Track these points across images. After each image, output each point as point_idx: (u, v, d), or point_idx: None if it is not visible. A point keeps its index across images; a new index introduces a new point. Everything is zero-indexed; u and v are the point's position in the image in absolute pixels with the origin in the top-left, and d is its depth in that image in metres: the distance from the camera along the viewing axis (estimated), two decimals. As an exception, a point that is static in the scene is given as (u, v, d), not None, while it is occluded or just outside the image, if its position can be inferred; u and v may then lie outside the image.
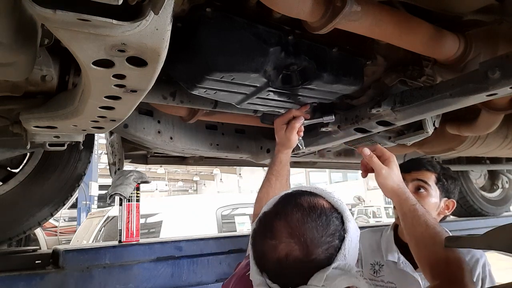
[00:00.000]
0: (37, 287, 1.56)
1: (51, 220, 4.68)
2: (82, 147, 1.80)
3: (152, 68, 0.78)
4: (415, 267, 1.50)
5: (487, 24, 1.28)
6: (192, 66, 1.18)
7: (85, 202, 7.85)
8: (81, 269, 1.66)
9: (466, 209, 3.41)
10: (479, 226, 3.15)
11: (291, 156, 1.58)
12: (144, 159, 2.49)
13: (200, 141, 1.95)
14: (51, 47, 1.11)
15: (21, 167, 1.86)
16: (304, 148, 1.58)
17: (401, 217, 1.15)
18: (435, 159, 2.79)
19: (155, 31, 0.65)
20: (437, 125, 1.79)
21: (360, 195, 19.88)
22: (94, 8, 0.57)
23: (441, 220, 1.60)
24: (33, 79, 1.20)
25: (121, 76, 0.81)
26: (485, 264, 1.44)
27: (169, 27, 0.66)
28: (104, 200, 8.02)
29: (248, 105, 1.43)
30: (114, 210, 4.78)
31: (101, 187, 8.84)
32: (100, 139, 6.22)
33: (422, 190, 1.53)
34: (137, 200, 1.95)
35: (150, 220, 4.49)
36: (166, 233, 4.03)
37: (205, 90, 1.25)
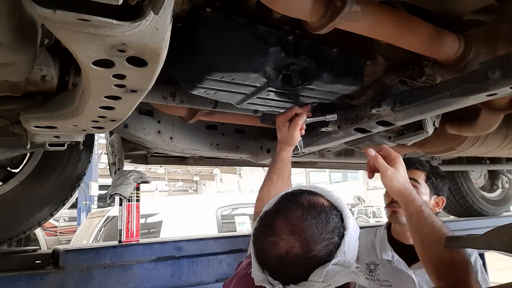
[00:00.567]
0: (37, 287, 1.56)
1: (51, 220, 4.69)
2: (82, 147, 1.80)
3: (152, 68, 0.78)
4: (409, 264, 1.53)
5: (487, 24, 1.28)
6: (192, 66, 1.18)
7: (85, 202, 7.85)
8: (81, 269, 1.66)
9: (466, 209, 3.41)
10: (479, 226, 3.15)
11: (292, 156, 1.58)
12: (144, 159, 2.49)
13: (200, 141, 1.95)
14: (51, 47, 1.11)
15: (21, 167, 1.86)
16: (303, 149, 1.58)
17: (407, 218, 1.15)
18: (434, 159, 2.79)
19: (155, 31, 0.65)
20: (437, 125, 1.79)
21: (360, 195, 19.89)
22: (94, 8, 0.57)
23: None
24: (33, 79, 1.20)
25: (121, 76, 0.81)
26: (476, 260, 1.48)
27: (169, 27, 0.66)
28: (104, 200, 8.02)
29: (248, 105, 1.43)
30: (114, 210, 4.78)
31: (101, 187, 8.84)
32: (100, 139, 6.22)
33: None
34: (137, 200, 1.95)
35: (150, 220, 4.49)
36: (166, 233, 4.03)
37: (205, 90, 1.25)
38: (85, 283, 1.65)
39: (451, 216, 3.66)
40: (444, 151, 2.23)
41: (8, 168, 1.86)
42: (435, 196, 1.61)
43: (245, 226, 4.71)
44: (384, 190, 1.43)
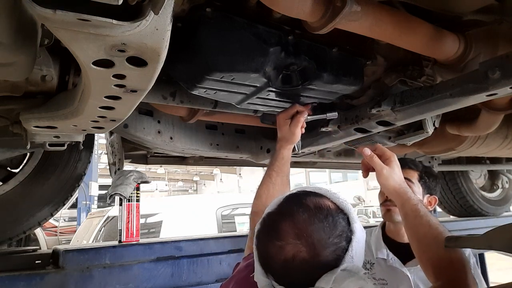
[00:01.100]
0: (37, 287, 1.55)
1: (51, 220, 4.68)
2: (82, 147, 1.80)
3: (152, 68, 0.78)
4: (404, 262, 1.55)
5: (487, 24, 1.28)
6: (192, 66, 1.18)
7: (85, 202, 7.84)
8: (81, 269, 1.66)
9: (466, 209, 3.41)
10: (479, 226, 3.15)
11: (291, 156, 1.58)
12: (144, 159, 2.49)
13: (200, 141, 1.95)
14: (51, 47, 1.11)
15: (21, 167, 1.86)
16: (300, 150, 1.57)
17: (403, 217, 1.14)
18: (434, 159, 2.79)
19: (155, 31, 0.65)
20: (437, 125, 1.79)
21: (360, 195, 19.88)
22: (94, 8, 0.57)
23: None
24: (33, 79, 1.20)
25: (121, 76, 0.81)
26: (469, 256, 1.49)
27: (169, 27, 0.66)
28: (104, 200, 8.01)
29: (248, 105, 1.43)
30: (114, 210, 4.77)
31: (101, 187, 8.83)
32: (100, 139, 6.22)
33: None
34: (137, 200, 1.95)
35: (150, 220, 4.48)
36: (166, 233, 4.03)
37: (205, 90, 1.25)
38: (85, 283, 1.65)
39: (451, 216, 3.66)
40: (444, 151, 2.23)
41: (8, 168, 1.86)
42: (428, 195, 1.64)
43: (245, 226, 4.71)
44: None
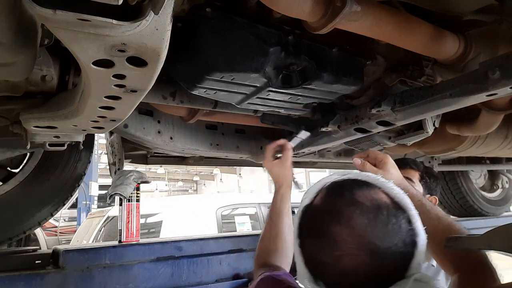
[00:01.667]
0: (37, 287, 1.55)
1: (51, 220, 4.68)
2: (82, 147, 1.80)
3: (152, 68, 0.78)
4: None
5: (487, 24, 1.28)
6: (192, 66, 1.18)
7: (85, 202, 7.84)
8: (81, 269, 1.66)
9: (466, 209, 3.41)
10: (479, 226, 3.14)
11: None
12: (144, 159, 2.49)
13: (200, 141, 1.95)
14: (51, 47, 1.11)
15: (21, 167, 1.86)
16: (301, 189, 1.48)
17: None
18: (434, 159, 2.79)
19: (155, 31, 0.65)
20: (437, 125, 1.79)
21: (360, 195, 19.81)
22: (94, 8, 0.57)
23: None
24: (33, 79, 1.20)
25: (121, 76, 0.81)
26: None
27: (169, 27, 0.66)
28: (104, 200, 8.01)
29: (248, 105, 1.43)
30: (114, 210, 4.78)
31: (101, 187, 8.82)
32: (100, 139, 6.21)
33: None
34: (137, 200, 1.94)
35: (150, 220, 4.49)
36: (166, 233, 4.03)
37: (205, 90, 1.25)
38: (85, 283, 1.65)
39: (451, 216, 3.66)
40: (444, 151, 2.23)
41: (8, 168, 1.86)
42: (428, 195, 1.65)
43: (245, 226, 4.71)
44: None
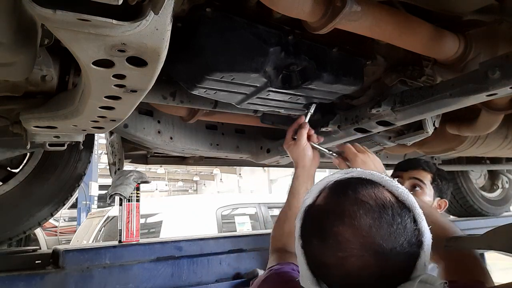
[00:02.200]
0: (37, 287, 1.55)
1: (51, 220, 4.68)
2: (82, 147, 1.80)
3: (152, 68, 0.78)
4: None
5: (487, 24, 1.28)
6: (192, 66, 1.18)
7: (85, 202, 7.85)
8: (81, 269, 1.66)
9: (466, 209, 3.41)
10: (479, 226, 3.14)
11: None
12: (144, 159, 2.49)
13: (200, 141, 1.95)
14: (51, 47, 1.11)
15: (21, 167, 1.86)
16: (328, 152, 1.45)
17: None
18: (434, 159, 2.79)
19: (155, 31, 0.65)
20: (437, 125, 1.79)
21: (360, 195, 19.80)
22: (94, 8, 0.57)
23: None
24: (33, 79, 1.20)
25: (121, 76, 0.81)
26: None
27: (169, 27, 0.66)
28: (104, 200, 8.01)
29: (248, 105, 1.43)
30: (114, 210, 4.78)
31: (101, 187, 8.83)
32: (100, 139, 6.22)
33: (417, 188, 1.59)
34: (137, 200, 1.94)
35: (150, 220, 4.49)
36: (166, 233, 4.04)
37: (205, 90, 1.25)
38: (85, 283, 1.65)
39: (451, 216, 3.66)
40: (444, 151, 2.23)
41: (8, 168, 1.86)
42: (439, 198, 1.63)
43: (245, 226, 4.71)
44: None
